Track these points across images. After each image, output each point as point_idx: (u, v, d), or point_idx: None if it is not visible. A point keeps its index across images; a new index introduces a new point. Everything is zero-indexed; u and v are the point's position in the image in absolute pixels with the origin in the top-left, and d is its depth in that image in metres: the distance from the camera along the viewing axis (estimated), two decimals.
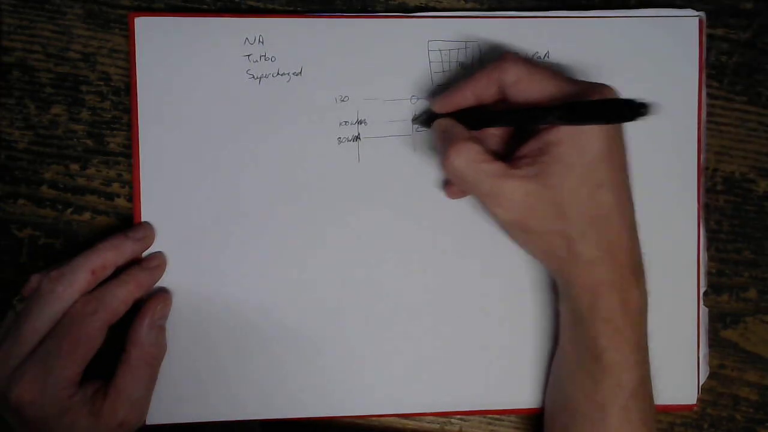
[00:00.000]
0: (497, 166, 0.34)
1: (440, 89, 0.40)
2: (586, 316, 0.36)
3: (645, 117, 0.30)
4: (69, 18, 0.41)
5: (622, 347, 0.36)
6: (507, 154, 0.36)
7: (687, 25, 0.41)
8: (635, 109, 0.30)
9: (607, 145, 0.34)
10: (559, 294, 0.39)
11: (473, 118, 0.37)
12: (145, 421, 0.39)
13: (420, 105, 0.41)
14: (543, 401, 0.42)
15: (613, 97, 0.34)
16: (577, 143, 0.33)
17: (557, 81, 0.35)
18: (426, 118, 0.40)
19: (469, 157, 0.34)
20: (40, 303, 0.36)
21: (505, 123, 0.36)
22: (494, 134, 0.38)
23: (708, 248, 0.43)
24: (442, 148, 0.36)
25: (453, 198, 0.41)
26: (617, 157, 0.35)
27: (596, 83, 0.35)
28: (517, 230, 0.36)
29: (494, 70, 0.36)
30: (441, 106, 0.38)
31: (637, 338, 0.36)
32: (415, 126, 0.41)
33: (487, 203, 0.35)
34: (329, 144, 0.41)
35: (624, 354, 0.36)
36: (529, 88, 0.35)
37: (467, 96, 0.37)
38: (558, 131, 0.34)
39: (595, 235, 0.35)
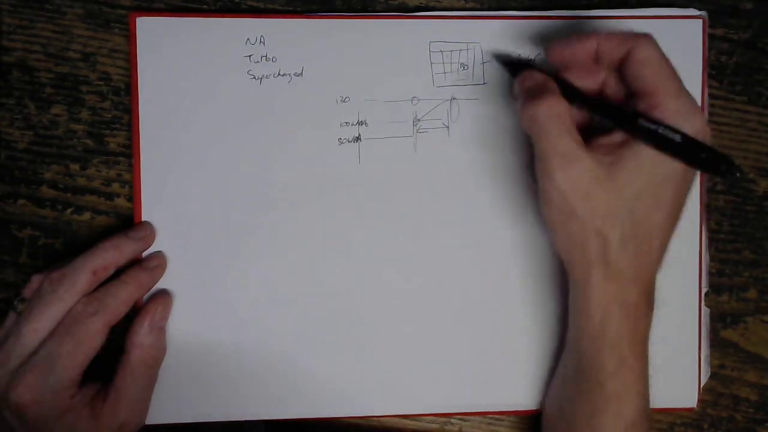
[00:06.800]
0: (579, 137, 0.33)
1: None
2: (593, 339, 0.35)
3: (729, 177, 0.32)
4: (69, 18, 0.41)
5: (625, 377, 0.35)
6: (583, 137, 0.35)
7: (690, 25, 0.41)
8: (728, 169, 0.32)
9: (683, 172, 0.34)
10: (570, 311, 0.37)
11: (567, 90, 0.35)
12: (144, 422, 0.39)
13: (421, 107, 0.41)
14: (543, 405, 0.41)
15: (710, 146, 0.33)
16: (658, 155, 0.33)
17: (676, 86, 0.34)
18: (513, 64, 0.37)
19: (558, 111, 0.33)
20: (41, 304, 0.36)
21: (596, 111, 0.35)
22: (577, 114, 0.36)
23: (708, 248, 0.43)
24: (529, 95, 0.34)
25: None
26: (683, 189, 0.35)
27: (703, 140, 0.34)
28: (561, 211, 0.34)
29: (632, 37, 0.34)
30: (557, 52, 0.36)
31: (641, 368, 0.35)
32: (500, 63, 0.37)
33: (550, 167, 0.33)
34: (330, 145, 0.41)
35: (627, 384, 0.35)
36: (649, 76, 0.34)
37: (589, 47, 0.35)
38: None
39: (632, 251, 0.34)
